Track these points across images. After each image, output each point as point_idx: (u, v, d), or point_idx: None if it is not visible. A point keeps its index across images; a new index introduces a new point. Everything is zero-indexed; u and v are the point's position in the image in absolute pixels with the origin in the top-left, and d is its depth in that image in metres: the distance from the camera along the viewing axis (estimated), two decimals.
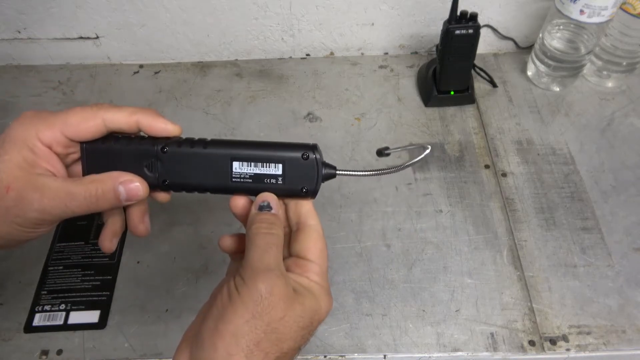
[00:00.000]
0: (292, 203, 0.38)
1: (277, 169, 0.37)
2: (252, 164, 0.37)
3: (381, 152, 0.61)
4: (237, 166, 0.37)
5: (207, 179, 0.38)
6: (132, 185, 0.36)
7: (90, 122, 0.36)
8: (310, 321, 0.33)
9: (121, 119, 0.36)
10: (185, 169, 0.38)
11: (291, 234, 0.38)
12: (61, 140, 0.35)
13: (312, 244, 0.36)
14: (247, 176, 0.37)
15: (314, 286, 0.34)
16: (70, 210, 0.34)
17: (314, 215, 0.37)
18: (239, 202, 0.38)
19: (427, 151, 0.44)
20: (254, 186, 0.37)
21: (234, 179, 0.37)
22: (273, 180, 0.37)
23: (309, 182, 0.37)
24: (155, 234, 0.60)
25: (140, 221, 0.39)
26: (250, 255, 0.33)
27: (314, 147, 0.38)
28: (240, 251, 0.38)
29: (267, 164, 0.37)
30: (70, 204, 0.34)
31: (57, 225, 0.61)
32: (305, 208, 0.37)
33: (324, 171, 0.38)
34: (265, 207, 0.35)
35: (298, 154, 0.37)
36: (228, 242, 0.38)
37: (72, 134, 0.35)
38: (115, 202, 0.35)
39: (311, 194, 0.37)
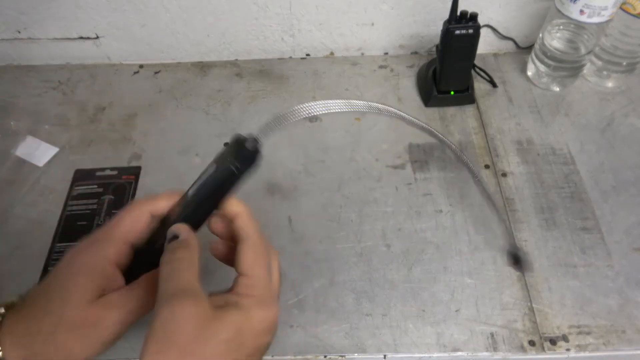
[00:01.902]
0: (234, 222, 0.37)
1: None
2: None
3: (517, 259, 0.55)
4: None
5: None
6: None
7: (143, 220, 0.37)
8: (237, 333, 0.32)
9: (163, 206, 0.38)
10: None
11: None
12: (124, 250, 0.37)
13: (242, 257, 0.35)
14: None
15: (241, 299, 0.33)
16: (139, 314, 0.35)
17: (246, 227, 0.37)
18: (216, 224, 0.38)
19: None
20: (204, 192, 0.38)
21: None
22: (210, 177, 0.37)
23: (228, 159, 0.37)
24: None
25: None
26: (159, 285, 0.32)
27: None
28: (230, 259, 0.38)
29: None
30: (137, 310, 0.35)
31: (57, 225, 0.61)
32: (238, 223, 0.37)
33: (244, 145, 0.38)
34: (174, 238, 0.35)
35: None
36: (220, 248, 0.39)
37: (134, 238, 0.37)
38: None
39: (233, 166, 0.37)
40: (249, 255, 0.35)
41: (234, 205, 0.37)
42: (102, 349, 0.34)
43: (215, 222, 0.38)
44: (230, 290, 0.35)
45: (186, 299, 0.31)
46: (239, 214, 0.37)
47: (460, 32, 0.64)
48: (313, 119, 0.72)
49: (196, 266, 0.34)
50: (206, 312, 0.31)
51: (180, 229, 0.36)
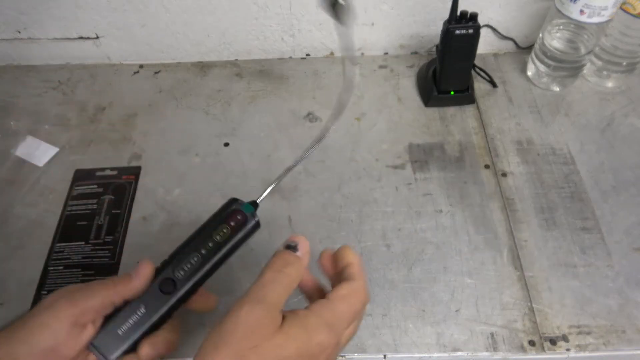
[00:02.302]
0: (347, 268, 0.38)
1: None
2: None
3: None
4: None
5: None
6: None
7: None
8: (296, 352, 0.32)
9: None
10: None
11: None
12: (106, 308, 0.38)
13: (338, 287, 0.36)
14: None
15: (310, 317, 0.33)
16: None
17: (357, 274, 0.38)
18: (326, 260, 0.40)
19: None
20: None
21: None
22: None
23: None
24: (154, 234, 0.61)
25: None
26: (252, 287, 0.33)
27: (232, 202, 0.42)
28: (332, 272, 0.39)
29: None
30: None
31: (57, 225, 0.61)
32: (350, 270, 0.38)
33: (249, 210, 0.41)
34: (291, 247, 0.36)
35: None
36: (325, 260, 0.40)
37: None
38: None
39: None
40: (345, 290, 0.36)
41: (350, 253, 0.39)
42: None
43: (326, 258, 0.39)
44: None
45: (259, 305, 0.32)
46: (354, 262, 0.38)
47: (460, 32, 0.64)
48: (313, 118, 0.72)
49: (293, 288, 0.35)
50: (272, 323, 0.31)
51: (301, 242, 0.37)
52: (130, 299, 0.38)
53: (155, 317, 0.38)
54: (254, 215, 0.41)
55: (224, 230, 0.40)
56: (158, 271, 0.39)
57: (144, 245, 0.60)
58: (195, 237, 0.40)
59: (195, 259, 0.39)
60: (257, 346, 0.30)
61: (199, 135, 0.71)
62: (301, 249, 0.36)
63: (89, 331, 0.37)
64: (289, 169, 0.44)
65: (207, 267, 0.39)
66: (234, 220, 0.40)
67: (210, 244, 0.39)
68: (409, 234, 0.60)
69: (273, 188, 0.42)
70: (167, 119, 0.73)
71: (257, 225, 0.41)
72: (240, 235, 0.40)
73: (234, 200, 0.42)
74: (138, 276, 0.38)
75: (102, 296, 0.37)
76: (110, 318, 0.38)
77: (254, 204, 0.42)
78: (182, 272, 0.39)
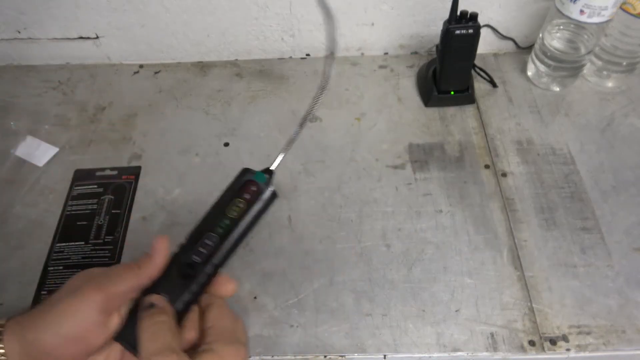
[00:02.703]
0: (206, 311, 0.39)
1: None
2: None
3: None
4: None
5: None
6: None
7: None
8: None
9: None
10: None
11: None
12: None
13: (207, 315, 0.37)
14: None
15: (212, 346, 0.35)
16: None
17: (212, 298, 0.39)
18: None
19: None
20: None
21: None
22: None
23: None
24: (154, 234, 0.60)
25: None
26: (141, 351, 0.34)
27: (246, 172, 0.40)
28: None
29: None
30: None
31: (57, 225, 0.61)
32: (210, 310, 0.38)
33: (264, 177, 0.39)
34: (148, 307, 0.36)
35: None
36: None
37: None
38: None
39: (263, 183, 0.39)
40: (214, 312, 0.37)
41: (212, 313, 0.38)
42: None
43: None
44: (200, 344, 0.36)
45: (170, 355, 0.32)
46: (213, 325, 0.38)
47: (460, 32, 0.64)
48: (313, 118, 0.72)
49: (175, 329, 0.35)
50: None
51: (157, 298, 0.37)
52: (155, 278, 0.37)
53: (180, 305, 0.37)
54: (268, 184, 0.38)
55: (239, 205, 0.38)
56: (176, 256, 0.38)
57: (144, 245, 0.59)
58: (211, 216, 0.38)
59: (213, 239, 0.37)
60: None
61: (199, 135, 0.71)
62: (158, 302, 0.36)
63: (115, 319, 0.36)
64: (301, 125, 0.42)
65: (226, 247, 0.38)
66: (248, 192, 0.38)
67: (227, 222, 0.38)
68: (409, 234, 0.60)
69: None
70: (167, 119, 0.73)
71: (274, 195, 0.39)
72: (256, 208, 0.38)
73: (246, 171, 0.39)
74: (157, 253, 0.37)
75: (129, 280, 0.36)
76: (135, 309, 0.37)
77: (268, 172, 0.39)
78: (201, 255, 0.37)
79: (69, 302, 0.35)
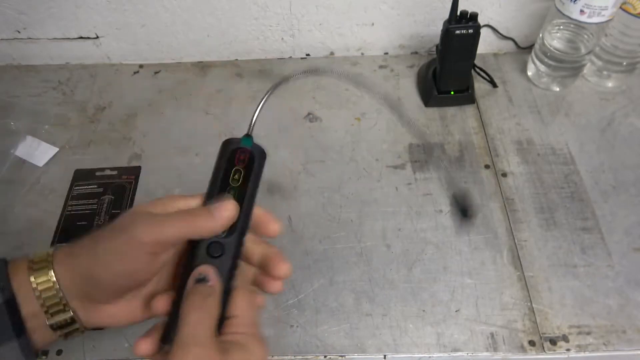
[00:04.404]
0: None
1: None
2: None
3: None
4: None
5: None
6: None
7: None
8: None
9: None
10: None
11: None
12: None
13: (237, 301, 0.36)
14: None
15: (241, 338, 0.34)
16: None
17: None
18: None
19: None
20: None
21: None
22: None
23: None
24: None
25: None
26: (180, 331, 0.33)
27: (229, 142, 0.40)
28: None
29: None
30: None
31: (57, 225, 0.61)
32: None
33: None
34: (201, 280, 0.35)
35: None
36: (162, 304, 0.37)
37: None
38: None
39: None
40: (245, 298, 0.36)
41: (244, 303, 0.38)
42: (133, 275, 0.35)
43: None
44: (223, 332, 0.35)
45: (210, 349, 0.32)
46: (242, 314, 0.37)
47: (460, 32, 0.64)
48: (313, 118, 0.72)
49: (217, 316, 0.34)
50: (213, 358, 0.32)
51: (209, 272, 0.35)
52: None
53: (225, 284, 0.36)
54: (254, 145, 0.40)
55: (238, 174, 0.39)
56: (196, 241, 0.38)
57: None
58: (214, 192, 0.38)
59: None
60: None
61: (199, 135, 0.71)
62: (210, 278, 0.35)
63: (165, 256, 0.36)
64: (274, 87, 0.44)
65: (243, 215, 0.37)
66: (242, 159, 0.39)
67: (234, 192, 0.38)
68: (409, 234, 0.60)
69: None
70: (167, 119, 0.73)
71: (264, 153, 0.40)
72: (255, 170, 0.39)
73: (228, 142, 0.40)
74: (220, 217, 0.36)
75: (179, 229, 0.35)
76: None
77: (249, 136, 0.41)
78: (223, 232, 0.37)
79: (118, 241, 0.34)
